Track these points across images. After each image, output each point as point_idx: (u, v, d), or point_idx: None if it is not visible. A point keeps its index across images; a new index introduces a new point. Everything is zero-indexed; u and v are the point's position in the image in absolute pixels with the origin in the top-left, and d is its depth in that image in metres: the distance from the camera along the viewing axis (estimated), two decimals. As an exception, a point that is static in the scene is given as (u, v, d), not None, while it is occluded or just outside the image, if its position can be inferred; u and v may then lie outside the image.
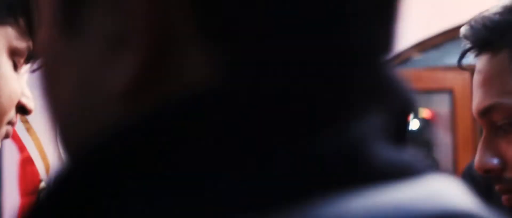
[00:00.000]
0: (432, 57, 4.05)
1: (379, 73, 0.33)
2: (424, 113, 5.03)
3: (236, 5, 0.29)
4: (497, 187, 0.90)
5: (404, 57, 4.39)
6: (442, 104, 4.47)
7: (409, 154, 0.32)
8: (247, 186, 0.27)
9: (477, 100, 0.89)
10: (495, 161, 0.87)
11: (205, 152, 0.28)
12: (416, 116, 4.99)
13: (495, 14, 0.87)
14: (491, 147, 0.88)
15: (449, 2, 3.70)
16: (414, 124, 5.07)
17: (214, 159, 0.28)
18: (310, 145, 0.28)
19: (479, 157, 0.88)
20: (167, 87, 0.29)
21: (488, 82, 0.88)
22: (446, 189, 0.30)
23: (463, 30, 0.90)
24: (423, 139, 4.87)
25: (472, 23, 0.89)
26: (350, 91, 0.31)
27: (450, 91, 4.10)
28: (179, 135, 0.28)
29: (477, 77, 0.89)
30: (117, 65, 0.30)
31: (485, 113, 0.88)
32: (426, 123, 5.04)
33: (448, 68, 3.75)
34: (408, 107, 0.34)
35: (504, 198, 0.89)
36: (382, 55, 0.33)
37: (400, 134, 0.34)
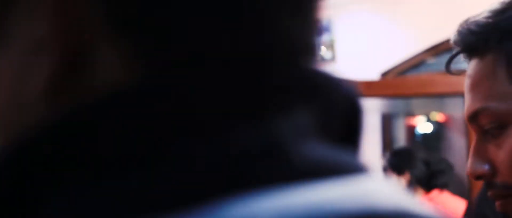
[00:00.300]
0: (446, 61, 4.04)
1: (307, 72, 0.32)
2: (438, 116, 5.02)
3: (149, 5, 0.29)
4: (489, 193, 0.88)
5: (418, 61, 4.39)
6: (456, 108, 4.46)
7: (346, 153, 0.31)
8: (154, 186, 0.27)
9: (466, 105, 0.88)
10: (485, 167, 0.86)
11: (115, 150, 0.28)
12: (428, 119, 4.98)
13: (481, 18, 0.86)
14: (481, 152, 0.87)
15: (463, 6, 3.70)
16: (428, 127, 5.06)
17: (124, 157, 0.28)
18: (224, 144, 0.28)
19: (470, 163, 0.87)
20: (83, 87, 0.30)
21: (475, 86, 0.87)
22: (376, 189, 0.29)
23: (452, 36, 0.90)
24: (437, 142, 4.86)
25: (460, 28, 0.88)
26: (270, 90, 0.30)
27: (463, 95, 4.08)
28: (91, 135, 0.28)
29: (466, 82, 0.89)
30: (37, 67, 0.30)
31: (473, 117, 0.86)
32: (440, 127, 5.03)
33: (462, 72, 3.72)
34: (353, 106, 0.34)
35: (497, 203, 0.86)
36: (308, 55, 0.33)
37: (350, 133, 0.34)
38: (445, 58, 0.93)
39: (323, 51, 4.79)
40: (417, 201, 0.31)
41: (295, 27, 0.32)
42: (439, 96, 4.41)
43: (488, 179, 0.86)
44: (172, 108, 0.28)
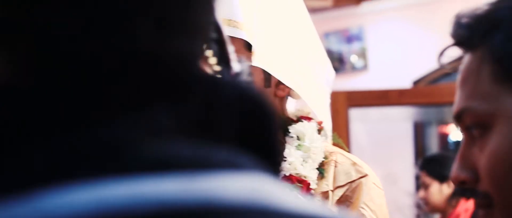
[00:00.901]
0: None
1: (178, 75, 0.33)
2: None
3: (27, 12, 0.30)
4: (472, 202, 0.78)
5: (449, 71, 4.36)
6: (489, 116, 4.42)
7: (216, 151, 0.31)
8: None
9: (454, 103, 0.79)
10: (468, 173, 0.76)
11: None
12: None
13: (476, 11, 0.77)
14: (467, 157, 0.77)
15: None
16: (461, 135, 5.02)
17: None
18: (63, 141, 0.29)
19: (454, 167, 0.78)
20: None
21: (462, 84, 0.78)
22: (235, 185, 0.29)
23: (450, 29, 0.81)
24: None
25: (454, 20, 0.79)
26: (124, 91, 0.31)
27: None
28: None
29: (457, 78, 0.80)
30: None
31: (459, 117, 0.78)
32: (473, 135, 4.98)
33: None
34: (250, 108, 0.35)
35: (479, 214, 0.77)
36: (187, 59, 0.34)
37: (247, 134, 0.35)
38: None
39: (355, 59, 4.79)
40: (294, 197, 0.31)
41: (163, 31, 0.33)
42: (472, 104, 4.38)
43: (471, 186, 0.76)
44: (27, 107, 0.30)
